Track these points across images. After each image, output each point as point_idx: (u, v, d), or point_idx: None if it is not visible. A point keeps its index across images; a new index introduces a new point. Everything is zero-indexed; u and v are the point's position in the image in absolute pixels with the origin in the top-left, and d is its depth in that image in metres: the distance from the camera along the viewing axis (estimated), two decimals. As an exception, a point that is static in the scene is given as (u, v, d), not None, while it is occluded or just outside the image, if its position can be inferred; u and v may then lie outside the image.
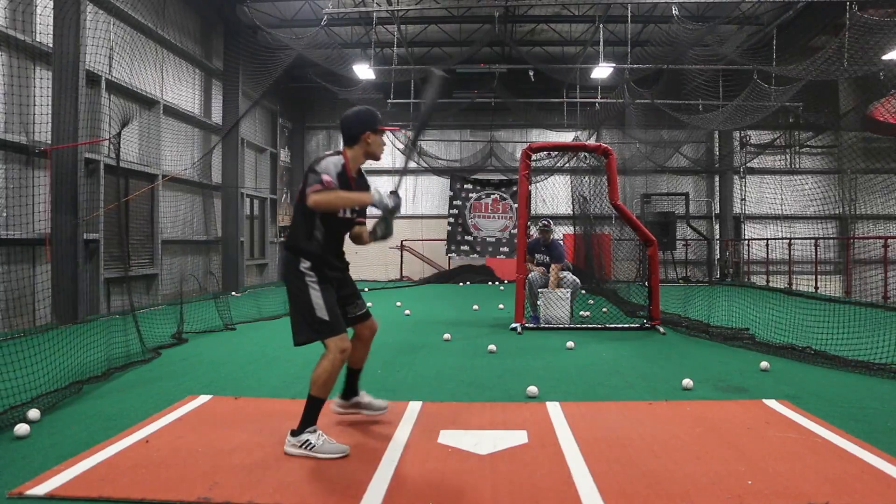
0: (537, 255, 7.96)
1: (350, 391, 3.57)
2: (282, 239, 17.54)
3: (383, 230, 3.13)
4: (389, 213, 3.09)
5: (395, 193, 3.11)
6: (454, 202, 16.54)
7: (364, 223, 3.40)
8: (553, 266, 7.72)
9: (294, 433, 3.08)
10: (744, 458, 3.01)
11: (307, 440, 3.03)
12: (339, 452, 3.03)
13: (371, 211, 3.25)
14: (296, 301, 3.12)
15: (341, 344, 3.06)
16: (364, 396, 3.59)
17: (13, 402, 3.71)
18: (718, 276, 16.77)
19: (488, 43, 13.78)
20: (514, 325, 7.38)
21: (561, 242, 8.24)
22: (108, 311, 8.91)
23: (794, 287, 13.09)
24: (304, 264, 3.10)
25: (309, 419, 3.07)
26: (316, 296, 3.07)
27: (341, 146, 3.31)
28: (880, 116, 13.76)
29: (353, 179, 3.22)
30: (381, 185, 3.35)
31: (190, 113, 12.07)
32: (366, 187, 3.32)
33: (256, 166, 15.63)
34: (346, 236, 3.36)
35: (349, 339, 3.17)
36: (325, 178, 2.98)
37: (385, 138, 3.34)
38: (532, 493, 2.65)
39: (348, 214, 3.23)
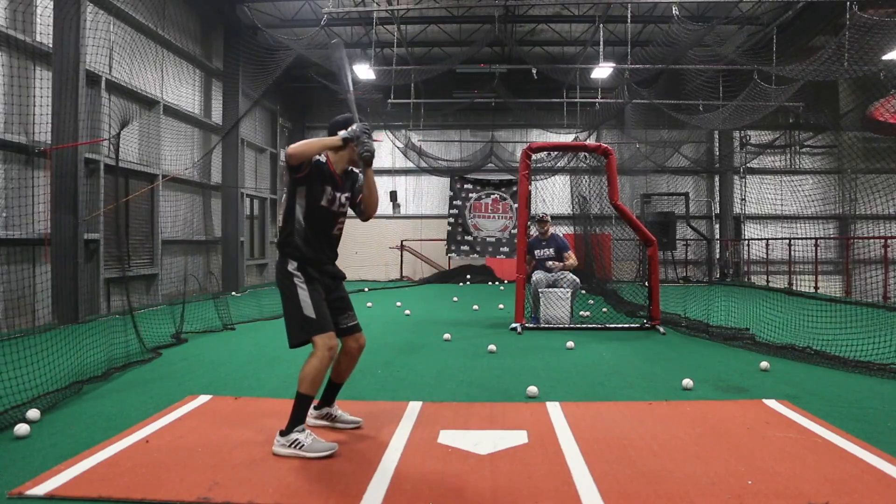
0: (537, 252, 7.92)
1: (324, 401, 3.53)
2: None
3: (363, 149, 3.13)
4: (363, 136, 3.13)
5: (361, 122, 3.21)
6: (454, 202, 16.53)
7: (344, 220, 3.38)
8: (566, 254, 7.80)
9: (283, 433, 3.08)
10: (744, 458, 3.01)
11: (296, 439, 3.05)
12: (327, 450, 3.05)
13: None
14: (287, 303, 3.17)
15: (329, 342, 3.08)
16: (336, 409, 3.55)
17: (13, 402, 3.71)
18: (718, 276, 16.76)
19: (488, 43, 13.77)
20: (514, 325, 7.37)
21: (560, 235, 8.25)
22: (108, 311, 8.91)
23: (794, 287, 13.09)
24: (291, 265, 3.18)
25: (297, 418, 3.09)
26: (303, 294, 3.12)
27: None
28: (880, 116, 13.76)
29: (337, 175, 3.27)
30: (380, 185, 3.36)
31: (190, 113, 12.06)
32: (355, 187, 3.37)
33: (256, 166, 15.62)
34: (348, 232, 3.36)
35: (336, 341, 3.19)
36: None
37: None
38: (532, 493, 2.65)
39: (334, 207, 3.25)
